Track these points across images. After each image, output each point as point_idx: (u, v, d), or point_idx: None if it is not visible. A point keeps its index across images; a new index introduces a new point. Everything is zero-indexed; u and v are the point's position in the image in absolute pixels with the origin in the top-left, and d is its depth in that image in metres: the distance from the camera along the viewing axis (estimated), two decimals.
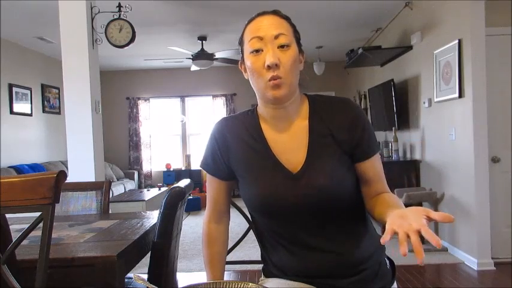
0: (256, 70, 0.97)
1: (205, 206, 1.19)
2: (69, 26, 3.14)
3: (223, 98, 7.80)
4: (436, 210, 3.85)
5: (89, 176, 3.15)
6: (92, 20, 3.23)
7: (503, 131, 3.29)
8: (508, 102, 3.29)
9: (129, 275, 1.55)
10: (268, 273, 1.13)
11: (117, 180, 7.18)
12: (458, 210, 3.41)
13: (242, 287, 0.85)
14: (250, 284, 0.85)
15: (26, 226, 1.02)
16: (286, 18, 1.01)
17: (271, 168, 1.02)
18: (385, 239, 0.72)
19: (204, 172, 7.31)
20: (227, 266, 1.17)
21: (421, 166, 4.19)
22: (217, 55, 5.61)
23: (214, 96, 7.85)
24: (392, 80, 4.54)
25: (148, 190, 5.75)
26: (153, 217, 1.90)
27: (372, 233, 1.10)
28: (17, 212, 1.10)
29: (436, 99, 3.70)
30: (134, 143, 7.88)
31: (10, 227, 1.15)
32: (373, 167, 1.03)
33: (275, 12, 1.01)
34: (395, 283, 1.11)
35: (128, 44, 3.39)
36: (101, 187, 2.18)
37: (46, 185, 1.01)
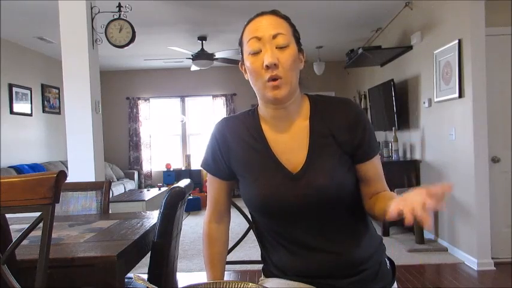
0: (255, 71, 0.97)
1: (205, 206, 1.19)
2: (69, 26, 3.14)
3: (223, 98, 7.80)
4: (436, 210, 3.85)
5: (89, 176, 3.15)
6: (92, 20, 3.23)
7: (503, 131, 3.29)
8: (508, 102, 3.29)
9: (129, 275, 1.55)
10: (268, 273, 1.13)
11: (117, 180, 7.18)
12: (458, 210, 3.41)
13: (242, 287, 0.85)
14: (250, 284, 0.85)
15: (26, 226, 1.02)
16: (285, 18, 1.01)
17: (271, 168, 1.02)
18: (390, 214, 0.77)
19: (204, 172, 7.33)
20: (227, 266, 1.17)
21: (421, 166, 4.19)
22: (217, 55, 5.61)
23: (214, 96, 7.85)
24: (392, 80, 4.54)
25: (148, 190, 5.75)
26: (153, 217, 1.90)
27: (372, 233, 1.10)
28: (17, 212, 1.10)
29: (436, 99, 3.70)
30: (134, 143, 7.88)
31: (10, 227, 1.15)
32: (374, 168, 1.04)
33: (273, 12, 1.01)
34: (395, 283, 1.11)
35: (127, 44, 3.39)
36: (101, 187, 2.18)
37: (46, 185, 1.01)
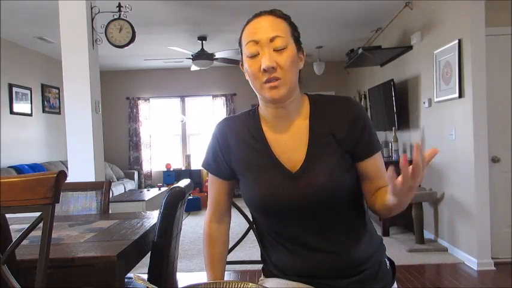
0: (253, 73, 0.98)
1: (205, 206, 1.19)
2: (69, 26, 3.14)
3: (223, 98, 7.80)
4: (436, 210, 3.86)
5: (89, 176, 3.15)
6: (92, 20, 3.23)
7: (503, 131, 3.29)
8: (508, 102, 3.29)
9: (129, 275, 1.55)
10: (268, 273, 1.13)
11: (117, 180, 7.18)
12: (458, 210, 3.41)
13: (242, 287, 0.85)
14: (250, 284, 0.85)
15: (26, 226, 1.02)
16: (284, 17, 1.01)
17: (271, 168, 1.02)
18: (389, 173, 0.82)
19: (204, 172, 7.34)
20: (227, 266, 1.17)
21: None
22: (217, 55, 5.61)
23: (214, 96, 7.85)
24: (392, 80, 4.54)
25: (148, 190, 5.75)
26: (153, 217, 1.90)
27: (372, 234, 1.10)
28: (17, 212, 1.10)
29: (436, 99, 3.70)
30: (134, 143, 7.88)
31: (10, 227, 1.15)
32: (375, 165, 1.03)
33: (272, 12, 1.00)
34: (395, 283, 1.11)
35: (127, 44, 3.39)
36: (101, 187, 2.18)
37: (46, 185, 1.01)
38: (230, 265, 1.43)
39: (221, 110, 7.79)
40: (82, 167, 3.16)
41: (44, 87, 6.13)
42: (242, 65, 1.05)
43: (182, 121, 7.94)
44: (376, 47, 4.56)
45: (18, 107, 5.45)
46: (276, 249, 1.07)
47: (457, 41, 3.27)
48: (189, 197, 4.42)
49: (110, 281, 1.25)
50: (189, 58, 5.77)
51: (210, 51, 5.64)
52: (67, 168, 3.78)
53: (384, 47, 4.64)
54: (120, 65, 7.37)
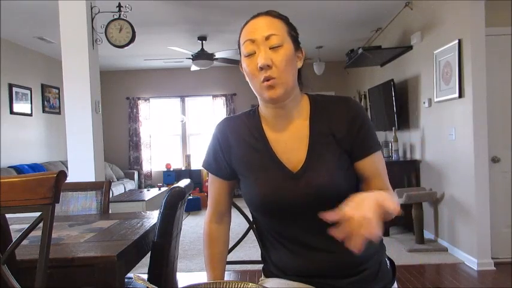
0: (251, 72, 0.99)
1: (205, 206, 1.19)
2: (69, 26, 3.14)
3: (223, 98, 7.80)
4: (436, 210, 3.86)
5: (89, 176, 3.15)
6: (92, 20, 3.23)
7: (503, 131, 3.29)
8: (508, 102, 3.29)
9: (129, 275, 1.55)
10: (268, 273, 1.13)
11: (117, 180, 7.18)
12: (458, 210, 3.41)
13: (242, 287, 0.85)
14: (250, 284, 0.85)
15: (26, 226, 1.02)
16: (281, 17, 1.01)
17: (272, 167, 1.02)
18: (330, 216, 0.78)
19: (204, 172, 7.34)
20: (227, 266, 1.17)
21: (421, 166, 4.19)
22: (217, 55, 5.61)
23: (214, 96, 7.85)
24: (392, 80, 4.54)
25: (148, 190, 5.75)
26: (153, 217, 1.90)
27: None
28: (17, 212, 1.10)
29: (436, 99, 3.70)
30: (134, 143, 7.88)
31: (10, 227, 1.15)
32: (372, 165, 1.02)
33: (268, 13, 1.01)
34: (395, 283, 1.11)
35: (127, 44, 3.39)
36: (101, 187, 2.18)
37: (46, 185, 1.01)
38: (230, 265, 1.43)
39: (221, 110, 7.79)
40: (82, 167, 3.16)
41: (44, 87, 6.13)
42: (241, 65, 1.05)
43: (182, 121, 7.94)
44: (376, 47, 4.56)
45: (18, 107, 5.45)
46: (276, 249, 1.07)
47: (457, 41, 3.27)
48: (189, 197, 4.42)
49: (110, 281, 1.25)
50: (189, 58, 5.77)
51: (210, 51, 5.64)
52: (67, 168, 3.78)
53: (384, 47, 4.64)
54: (120, 65, 7.37)
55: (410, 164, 4.31)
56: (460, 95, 3.28)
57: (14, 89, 5.38)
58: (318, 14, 4.66)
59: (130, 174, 7.65)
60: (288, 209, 1.00)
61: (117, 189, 6.41)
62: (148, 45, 5.82)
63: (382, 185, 1.03)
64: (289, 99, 1.01)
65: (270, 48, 0.96)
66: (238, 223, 2.35)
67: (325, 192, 0.97)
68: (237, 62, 1.18)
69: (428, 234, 3.98)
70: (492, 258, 3.15)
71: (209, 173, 1.14)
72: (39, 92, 6.04)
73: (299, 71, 1.05)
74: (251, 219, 1.23)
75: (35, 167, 5.38)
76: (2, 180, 1.03)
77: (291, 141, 1.03)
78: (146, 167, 7.90)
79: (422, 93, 4.10)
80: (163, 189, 5.83)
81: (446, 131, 3.58)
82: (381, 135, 5.34)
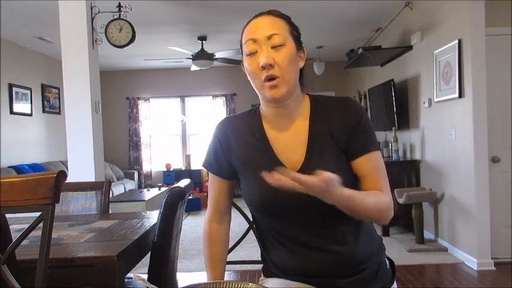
0: (253, 71, 0.99)
1: (205, 206, 1.19)
2: (69, 26, 3.14)
3: (223, 98, 7.80)
4: (436, 210, 3.86)
5: (89, 176, 3.15)
6: (92, 20, 3.23)
7: (503, 131, 3.29)
8: (508, 102, 3.29)
9: (129, 275, 1.55)
10: (268, 272, 1.13)
11: (117, 180, 7.18)
12: (458, 210, 3.41)
13: (242, 287, 0.85)
14: (250, 284, 0.85)
15: (26, 226, 1.02)
16: (282, 17, 1.02)
17: (271, 167, 1.02)
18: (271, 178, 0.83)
19: (204, 172, 7.34)
20: (227, 266, 1.17)
21: (421, 166, 4.19)
22: (217, 55, 5.61)
23: (214, 96, 7.85)
24: (392, 80, 4.54)
25: (148, 190, 5.75)
26: (153, 217, 1.90)
27: (372, 233, 1.10)
28: (17, 212, 1.10)
29: (436, 99, 3.70)
30: (134, 143, 7.88)
31: (10, 227, 1.15)
32: (367, 164, 1.01)
33: (270, 12, 1.02)
34: (395, 283, 1.11)
35: (127, 44, 3.39)
36: (101, 187, 2.18)
37: (46, 185, 1.01)
38: (230, 265, 1.43)
39: (221, 110, 7.79)
40: (82, 167, 3.16)
41: (44, 87, 6.13)
42: (243, 65, 1.05)
43: (182, 121, 7.94)
44: (376, 47, 4.56)
45: (18, 107, 5.45)
46: (276, 249, 1.07)
47: (457, 41, 3.27)
48: (189, 197, 4.42)
49: (110, 281, 1.25)
50: (189, 58, 5.77)
51: (210, 51, 5.64)
52: (67, 168, 3.78)
53: (384, 47, 4.64)
54: (120, 65, 7.37)
55: (410, 164, 4.31)
56: (460, 95, 3.28)
57: (14, 89, 5.38)
58: (318, 14, 4.66)
59: (130, 174, 7.65)
60: (287, 209, 1.00)
61: (117, 189, 6.41)
62: (148, 45, 5.82)
63: (376, 184, 1.01)
64: (291, 98, 1.01)
65: (272, 48, 0.97)
66: (238, 223, 2.36)
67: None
68: (237, 62, 1.18)
69: (428, 234, 3.98)
70: (492, 258, 3.15)
71: (209, 173, 1.14)
72: (39, 92, 6.04)
73: (301, 70, 1.05)
74: (251, 219, 1.23)
75: (35, 167, 5.38)
76: (2, 180, 1.03)
77: (290, 141, 1.04)
78: (146, 167, 7.90)
79: (422, 93, 4.10)
80: (163, 189, 5.83)
81: (446, 131, 3.58)
82: (380, 135, 5.34)
